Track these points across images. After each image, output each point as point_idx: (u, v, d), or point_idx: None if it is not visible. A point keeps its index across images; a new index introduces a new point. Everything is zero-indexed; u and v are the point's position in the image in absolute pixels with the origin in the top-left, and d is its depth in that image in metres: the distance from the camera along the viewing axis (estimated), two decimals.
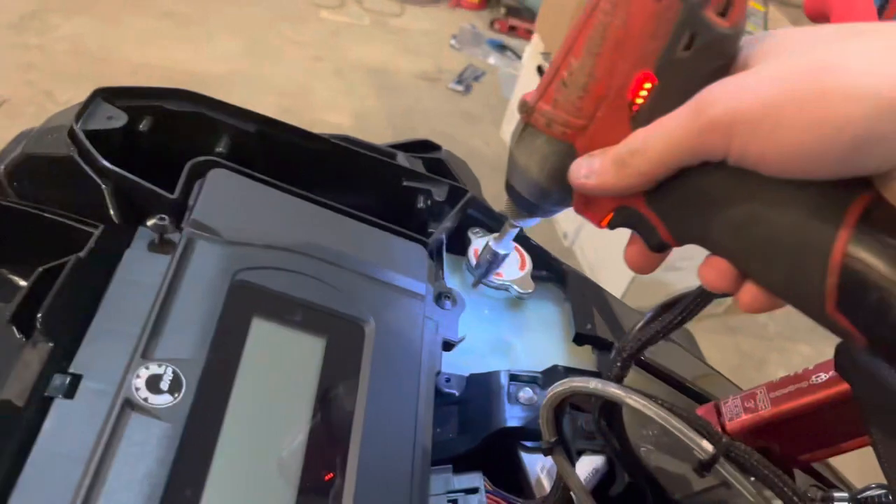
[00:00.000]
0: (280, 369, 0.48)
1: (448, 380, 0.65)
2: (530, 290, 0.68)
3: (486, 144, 2.71)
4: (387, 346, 0.53)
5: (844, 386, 0.46)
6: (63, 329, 0.43)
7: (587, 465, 0.59)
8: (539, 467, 0.63)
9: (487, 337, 0.68)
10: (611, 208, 0.39)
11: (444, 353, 0.59)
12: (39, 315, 0.42)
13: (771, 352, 2.27)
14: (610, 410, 0.50)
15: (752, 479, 0.43)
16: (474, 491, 0.57)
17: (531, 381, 0.64)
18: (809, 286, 0.31)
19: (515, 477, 0.63)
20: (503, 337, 0.69)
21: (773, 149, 0.30)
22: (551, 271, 0.73)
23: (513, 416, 0.61)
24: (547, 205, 0.41)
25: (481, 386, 0.64)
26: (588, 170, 0.36)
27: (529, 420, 0.61)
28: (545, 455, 0.52)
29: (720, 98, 0.31)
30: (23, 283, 0.55)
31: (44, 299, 0.43)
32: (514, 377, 0.64)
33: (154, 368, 0.43)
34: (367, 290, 0.55)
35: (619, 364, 0.48)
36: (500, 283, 0.67)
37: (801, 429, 0.49)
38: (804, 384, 0.49)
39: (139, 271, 0.48)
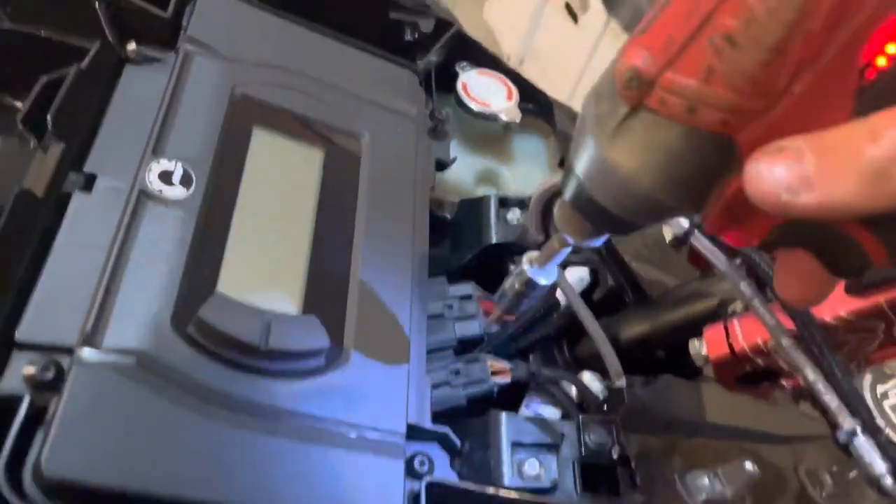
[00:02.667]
0: (282, 175, 0.51)
1: (440, 204, 0.68)
2: (517, 120, 0.70)
3: None
4: (382, 160, 0.55)
5: None
6: (73, 131, 0.45)
7: (573, 275, 0.64)
8: None
9: (476, 167, 0.71)
10: (777, 223, 0.26)
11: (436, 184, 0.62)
12: (49, 116, 0.44)
13: None
14: None
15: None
16: (468, 297, 0.61)
17: (518, 203, 0.67)
18: None
19: None
20: (491, 167, 0.72)
21: None
22: (537, 104, 0.75)
23: (501, 234, 0.64)
24: (649, 222, 0.29)
25: (472, 209, 0.67)
26: (798, 180, 0.21)
27: (517, 237, 0.64)
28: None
29: None
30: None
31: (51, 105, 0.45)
32: (502, 200, 0.67)
33: (165, 164, 0.45)
34: (361, 108, 0.57)
35: None
36: (488, 112, 0.69)
37: None
38: None
39: (141, 83, 0.49)
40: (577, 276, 0.64)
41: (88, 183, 0.44)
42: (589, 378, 0.59)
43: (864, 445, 0.42)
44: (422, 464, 0.45)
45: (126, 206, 0.43)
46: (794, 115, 0.22)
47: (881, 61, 0.21)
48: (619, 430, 0.54)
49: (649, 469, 0.52)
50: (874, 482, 0.42)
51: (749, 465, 0.51)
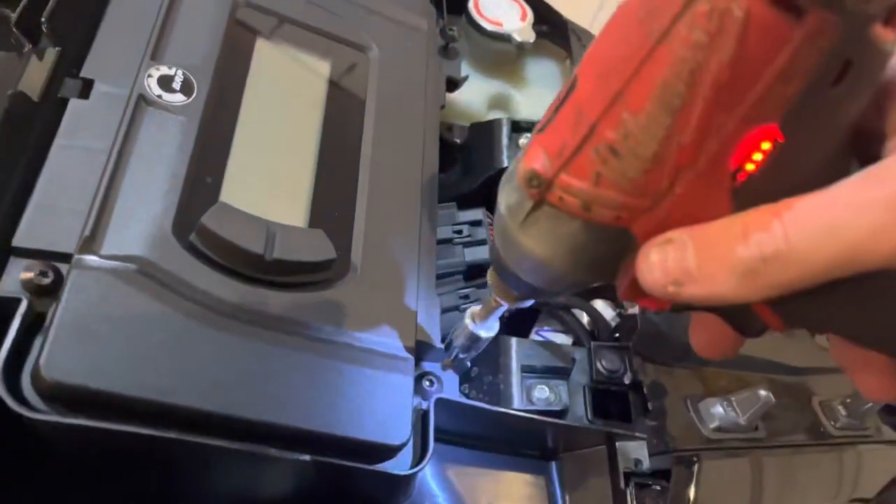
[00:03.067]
0: (287, 86, 0.49)
1: (450, 128, 0.66)
2: (531, 41, 0.67)
3: None
4: (391, 74, 0.53)
5: None
6: (69, 34, 0.43)
7: None
8: None
9: (488, 90, 0.69)
10: None
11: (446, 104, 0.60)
12: (44, 19, 0.42)
13: None
14: None
15: None
16: (478, 223, 0.59)
17: (530, 127, 0.65)
18: None
19: None
20: (503, 90, 0.69)
21: None
22: (552, 26, 0.72)
23: (512, 158, 0.62)
24: (567, 291, 0.32)
25: (483, 133, 0.65)
26: (681, 275, 0.24)
27: None
28: None
29: None
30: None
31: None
32: (514, 125, 0.65)
33: (165, 70, 0.43)
34: (370, 20, 0.54)
35: None
36: (501, 31, 0.66)
37: None
38: None
39: None
40: None
41: (86, 88, 0.42)
42: (601, 305, 0.58)
43: None
44: (430, 382, 0.44)
45: (125, 112, 0.41)
46: (680, 210, 0.24)
47: (749, 167, 0.23)
48: (632, 356, 0.53)
49: (661, 396, 0.51)
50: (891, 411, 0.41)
51: (763, 393, 0.50)
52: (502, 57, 0.70)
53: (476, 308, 0.42)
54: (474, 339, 0.42)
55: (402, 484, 0.40)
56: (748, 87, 0.22)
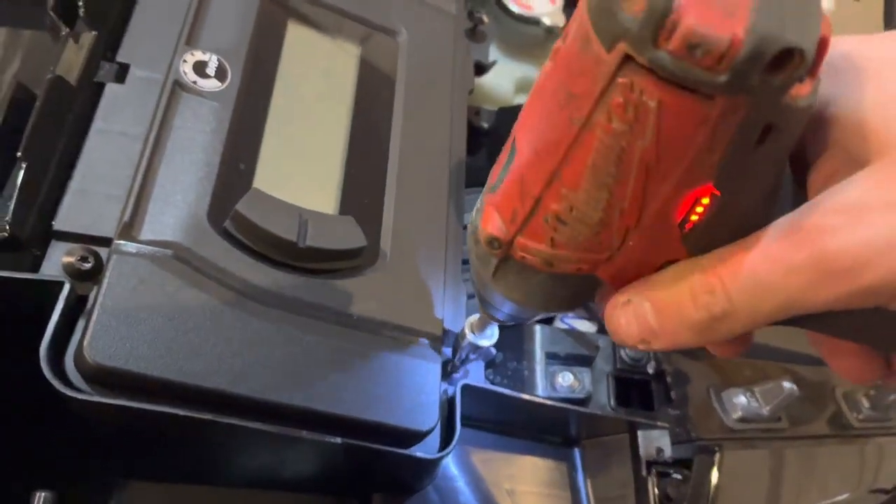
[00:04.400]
0: (318, 71, 0.49)
1: (478, 113, 0.66)
2: (561, 25, 0.67)
3: None
4: (420, 58, 0.53)
5: None
6: (105, 18, 0.44)
7: None
8: None
9: (516, 74, 0.68)
10: None
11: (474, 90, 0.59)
12: (80, 2, 0.43)
13: None
14: None
15: None
16: None
17: None
18: None
19: None
20: (532, 75, 0.69)
21: None
22: None
23: None
24: (550, 314, 0.35)
25: (510, 117, 0.64)
26: (647, 334, 0.27)
27: None
28: None
29: (871, 261, 0.21)
30: None
31: None
32: None
33: (199, 55, 0.43)
34: (399, 4, 0.54)
35: None
36: (530, 15, 0.66)
37: None
38: None
39: None
40: None
41: (122, 73, 0.42)
42: None
43: None
44: (456, 368, 0.44)
45: (160, 97, 0.41)
46: (637, 256, 0.26)
47: (693, 217, 0.24)
48: None
49: (684, 385, 0.52)
50: None
51: (788, 385, 0.50)
52: (531, 40, 0.69)
53: (474, 318, 0.43)
54: (475, 348, 0.43)
55: (428, 467, 0.40)
56: (675, 162, 0.22)
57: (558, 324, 0.57)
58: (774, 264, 0.23)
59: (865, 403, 0.58)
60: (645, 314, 0.27)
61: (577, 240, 0.26)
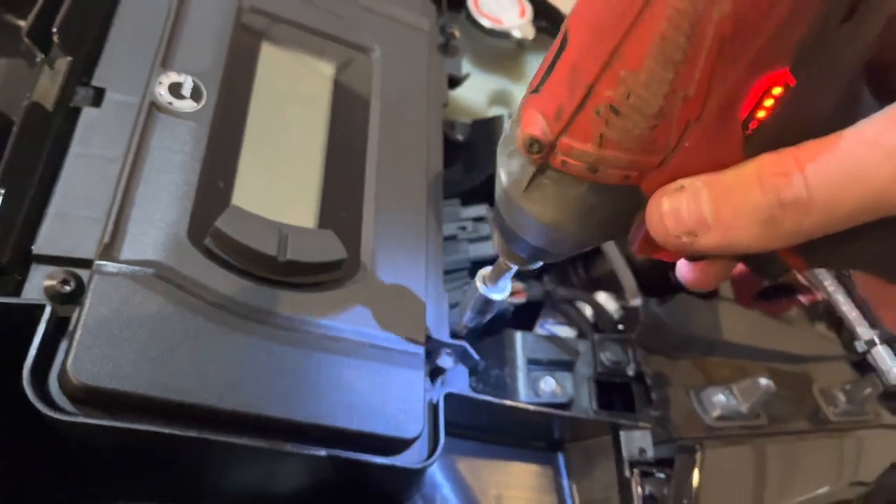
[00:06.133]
0: (294, 89, 0.50)
1: (453, 126, 0.66)
2: (531, 37, 0.68)
3: None
4: (395, 74, 0.54)
5: None
6: (80, 44, 0.44)
7: None
8: None
9: (489, 87, 0.69)
10: None
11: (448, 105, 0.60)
12: (55, 28, 0.43)
13: None
14: None
15: None
16: (481, 219, 0.60)
17: None
18: None
19: None
20: (504, 87, 0.70)
21: None
22: (551, 21, 0.72)
23: None
24: (575, 251, 0.31)
25: (485, 129, 0.65)
26: (696, 224, 0.23)
27: None
28: None
29: None
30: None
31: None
32: None
33: (174, 77, 0.44)
34: (372, 22, 0.55)
35: None
36: (501, 29, 0.67)
37: None
38: None
39: None
40: None
41: (98, 97, 0.43)
42: (604, 298, 0.59)
43: (882, 354, 0.42)
44: (438, 374, 0.45)
45: (137, 119, 0.42)
46: (690, 164, 0.23)
47: (761, 114, 0.22)
48: (635, 348, 0.54)
49: (664, 386, 0.53)
50: (892, 389, 0.42)
51: (764, 381, 0.51)
52: (503, 53, 0.70)
53: (486, 271, 0.41)
54: (486, 301, 0.41)
55: (415, 477, 0.41)
56: (754, 36, 0.20)
57: (539, 330, 0.58)
58: (870, 148, 0.20)
59: (842, 398, 0.59)
60: (699, 200, 0.23)
61: (629, 136, 0.23)
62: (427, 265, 0.46)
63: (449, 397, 0.43)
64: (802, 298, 0.52)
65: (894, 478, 0.60)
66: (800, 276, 0.47)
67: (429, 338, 0.44)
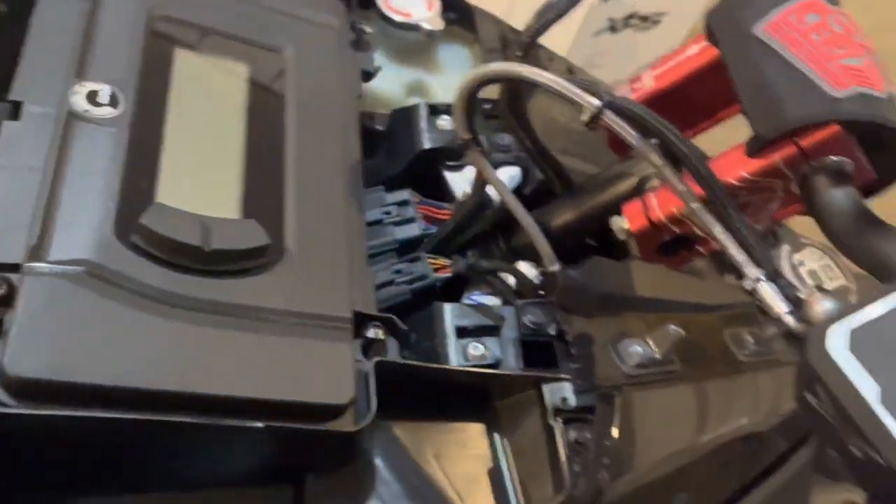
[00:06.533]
0: (210, 90, 0.52)
1: (372, 117, 0.69)
2: (440, 29, 0.71)
3: None
4: (307, 71, 0.57)
5: (715, 52, 0.53)
6: None
7: (505, 174, 0.66)
8: (462, 186, 0.70)
9: (404, 78, 0.73)
10: None
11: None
12: None
13: None
14: (514, 99, 0.56)
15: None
16: (405, 203, 0.63)
17: (446, 110, 0.69)
18: None
19: (443, 196, 0.70)
20: (419, 77, 0.73)
21: None
22: (458, 13, 0.76)
23: (432, 139, 0.66)
24: None
25: (403, 118, 0.69)
26: None
27: (448, 142, 0.67)
28: (464, 152, 0.58)
29: None
30: None
31: None
32: (432, 107, 0.69)
33: (91, 85, 0.46)
34: (282, 22, 0.58)
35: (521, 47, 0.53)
36: (410, 22, 0.70)
37: (683, 100, 0.56)
38: (681, 57, 0.55)
39: (58, 7, 0.49)
40: (510, 174, 0.67)
41: (15, 110, 0.44)
42: (525, 266, 0.62)
43: (768, 290, 0.46)
44: (370, 347, 0.48)
45: (56, 128, 0.44)
46: None
47: None
48: (555, 309, 0.58)
49: (584, 341, 0.56)
50: (779, 323, 0.46)
51: (674, 328, 0.55)
52: (414, 46, 0.74)
53: None
54: None
55: (351, 441, 0.44)
56: None
57: (465, 302, 0.61)
58: None
59: (750, 340, 0.64)
60: None
61: None
62: (350, 247, 0.49)
63: (380, 365, 0.46)
64: (701, 249, 0.56)
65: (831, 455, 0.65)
66: (695, 228, 0.51)
67: (355, 312, 0.46)
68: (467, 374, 0.50)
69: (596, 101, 0.48)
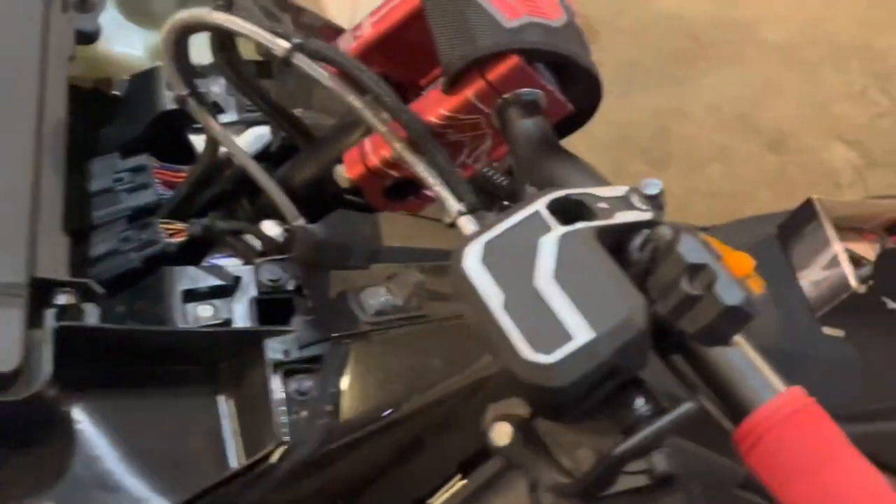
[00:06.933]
0: None
1: (109, 83, 0.66)
2: None
3: None
4: None
5: None
6: None
7: (253, 134, 0.65)
8: None
9: (148, 41, 0.70)
10: None
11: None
12: None
13: None
14: (223, 51, 0.55)
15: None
16: (141, 169, 0.61)
17: None
18: None
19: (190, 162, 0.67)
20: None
21: None
22: None
23: (173, 101, 0.64)
24: None
25: (142, 81, 0.66)
26: None
27: None
28: (181, 106, 0.56)
29: None
30: None
31: None
32: None
33: None
34: None
35: None
36: None
37: (403, 46, 0.56)
38: (395, 2, 0.55)
39: None
40: (257, 133, 0.65)
41: None
42: (268, 225, 0.61)
43: (468, 224, 0.47)
44: (64, 314, 0.45)
45: None
46: None
47: None
48: (294, 266, 0.57)
49: (323, 294, 0.56)
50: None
51: (414, 274, 0.56)
52: (159, 7, 0.70)
53: None
54: None
55: (27, 412, 0.41)
56: None
57: (203, 265, 0.59)
58: None
59: None
60: None
61: None
62: (33, 212, 0.46)
63: (64, 330, 0.43)
64: (428, 192, 0.56)
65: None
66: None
67: (37, 279, 0.44)
68: (177, 336, 0.49)
69: (286, 44, 0.47)
